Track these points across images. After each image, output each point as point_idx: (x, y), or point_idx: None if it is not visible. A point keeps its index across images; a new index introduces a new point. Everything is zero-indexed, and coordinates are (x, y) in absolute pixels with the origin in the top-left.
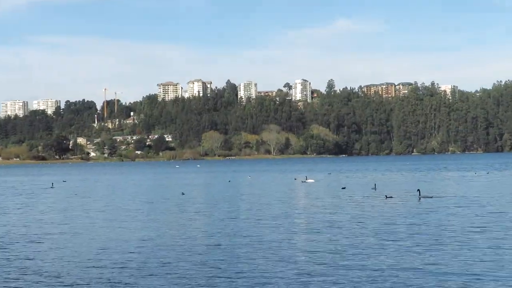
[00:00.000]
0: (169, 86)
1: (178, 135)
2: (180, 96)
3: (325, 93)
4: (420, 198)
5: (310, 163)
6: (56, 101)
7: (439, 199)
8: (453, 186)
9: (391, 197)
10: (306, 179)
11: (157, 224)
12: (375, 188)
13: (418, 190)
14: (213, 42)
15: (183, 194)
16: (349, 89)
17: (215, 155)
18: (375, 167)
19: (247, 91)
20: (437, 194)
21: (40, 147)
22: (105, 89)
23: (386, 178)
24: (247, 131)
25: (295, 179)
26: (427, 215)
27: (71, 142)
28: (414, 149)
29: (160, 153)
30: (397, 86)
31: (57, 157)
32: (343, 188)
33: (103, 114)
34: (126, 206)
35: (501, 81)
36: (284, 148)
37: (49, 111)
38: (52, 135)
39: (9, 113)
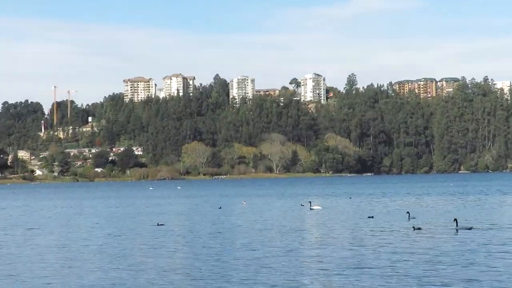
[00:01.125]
0: (139, 83)
1: (151, 147)
2: (153, 96)
3: (344, 92)
4: (457, 230)
5: (324, 184)
6: None
7: (483, 231)
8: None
9: (419, 228)
10: (311, 206)
11: (128, 264)
12: (409, 218)
13: (455, 219)
14: (197, 26)
15: (159, 225)
16: (375, 86)
17: (199, 173)
18: (408, 190)
19: (242, 90)
20: (481, 224)
21: None
22: (54, 86)
23: (423, 205)
24: (242, 142)
25: (301, 205)
26: (465, 250)
27: (9, 156)
28: (462, 166)
29: (128, 171)
30: (439, 83)
31: None
32: (370, 217)
33: (52, 120)
34: (85, 241)
35: None
36: (291, 165)
37: None
38: None
39: None
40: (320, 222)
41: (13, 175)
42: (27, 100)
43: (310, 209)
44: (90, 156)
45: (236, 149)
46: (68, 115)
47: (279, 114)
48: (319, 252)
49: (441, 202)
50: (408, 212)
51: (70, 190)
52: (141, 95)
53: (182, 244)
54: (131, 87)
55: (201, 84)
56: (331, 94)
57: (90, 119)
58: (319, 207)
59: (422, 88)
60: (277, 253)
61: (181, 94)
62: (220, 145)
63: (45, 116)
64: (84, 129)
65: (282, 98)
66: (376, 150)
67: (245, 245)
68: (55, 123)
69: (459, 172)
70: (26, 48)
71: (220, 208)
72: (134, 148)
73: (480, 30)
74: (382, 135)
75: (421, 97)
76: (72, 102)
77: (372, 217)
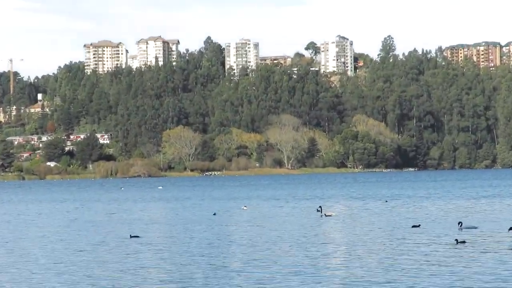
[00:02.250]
0: (105, 49)
1: (121, 134)
2: (124, 66)
3: (378, 60)
4: None
5: (351, 183)
6: None
7: None
8: None
9: (463, 242)
10: (321, 212)
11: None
12: (461, 227)
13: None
14: None
15: (132, 237)
16: (420, 53)
17: (186, 169)
18: (462, 191)
19: (242, 57)
20: None
21: None
22: None
23: (479, 209)
24: (242, 128)
25: (318, 210)
26: None
27: None
28: None
29: (90, 166)
30: (504, 48)
31: None
32: (415, 226)
33: None
34: (41, 256)
35: None
36: (307, 157)
37: None
38: None
39: None
40: (342, 232)
41: None
42: None
43: (324, 215)
44: (40, 146)
45: (235, 137)
46: (11, 91)
47: (292, 89)
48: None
49: (505, 206)
50: (460, 223)
51: (12, 191)
52: (107, 65)
53: (162, 261)
54: (94, 54)
55: (187, 50)
56: (361, 63)
57: (40, 96)
58: (333, 214)
59: (482, 55)
60: (289, 279)
61: (160, 63)
62: (214, 131)
63: None
64: (32, 110)
65: (295, 69)
66: (420, 137)
67: (246, 264)
68: None
69: None
70: None
71: (214, 214)
72: (99, 135)
73: None
74: (428, 118)
75: (481, 66)
76: (15, 74)
77: (419, 225)
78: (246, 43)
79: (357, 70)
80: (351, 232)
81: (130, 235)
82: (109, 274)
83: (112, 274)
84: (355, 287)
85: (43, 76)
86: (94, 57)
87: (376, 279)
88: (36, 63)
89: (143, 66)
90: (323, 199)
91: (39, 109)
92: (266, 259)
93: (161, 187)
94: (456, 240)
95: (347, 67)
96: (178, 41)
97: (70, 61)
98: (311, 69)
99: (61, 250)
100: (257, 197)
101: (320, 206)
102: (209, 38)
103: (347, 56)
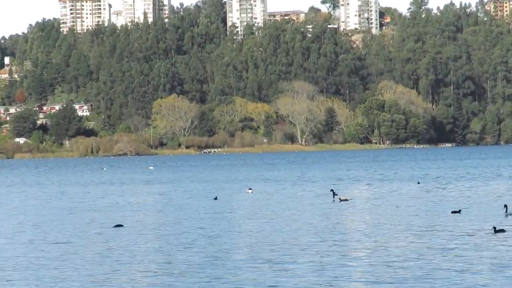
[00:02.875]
0: (84, 3)
1: (103, 105)
2: (106, 24)
3: (408, 15)
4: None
5: (376, 161)
6: None
7: None
8: None
9: (502, 230)
10: (334, 196)
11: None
12: (506, 213)
13: (505, 205)
14: None
15: (118, 226)
16: (458, 7)
17: (180, 145)
18: (510, 171)
19: (246, 13)
20: None
21: None
22: None
23: None
24: (247, 96)
25: (334, 194)
26: None
27: None
28: None
29: (67, 143)
30: None
31: None
32: (455, 211)
33: None
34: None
35: None
36: (325, 131)
37: None
38: None
39: None
40: (359, 221)
41: None
42: None
43: (338, 200)
44: (8, 119)
45: (238, 107)
46: None
47: (306, 51)
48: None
49: None
50: (505, 206)
51: None
52: (87, 23)
53: (150, 257)
54: (71, 9)
55: (181, 5)
56: (388, 19)
57: (7, 60)
58: (347, 198)
59: None
60: (305, 279)
61: (150, 20)
62: (213, 101)
63: None
64: None
65: (310, 26)
66: (459, 107)
67: (253, 258)
68: None
69: None
70: None
71: (215, 199)
72: (77, 107)
73: None
74: (468, 84)
75: None
76: None
77: (459, 211)
78: None
79: (383, 28)
80: (370, 220)
81: (117, 224)
82: (83, 272)
83: (88, 270)
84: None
85: (11, 37)
86: (71, 14)
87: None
88: (3, 21)
89: (129, 24)
90: (341, 180)
91: (6, 75)
92: (276, 257)
93: (152, 167)
94: (494, 228)
95: (371, 24)
96: None
97: (43, 19)
98: (328, 26)
99: (31, 243)
100: (264, 179)
101: (332, 190)
102: None
103: (371, 11)
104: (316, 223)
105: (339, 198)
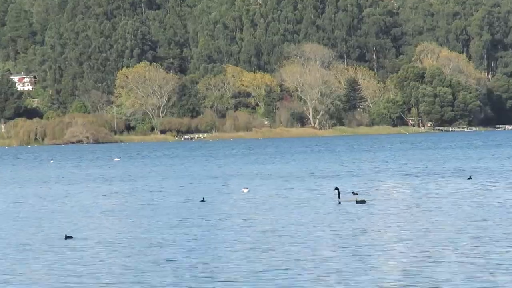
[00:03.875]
0: None
1: (51, 76)
2: None
3: None
4: None
5: (412, 149)
6: None
7: None
8: None
9: None
10: (339, 196)
11: None
12: None
13: None
14: None
15: (68, 238)
16: None
17: (153, 130)
18: None
19: None
20: None
21: None
22: None
23: None
24: (242, 64)
25: (349, 193)
26: None
27: None
28: None
29: (2, 127)
30: None
31: None
32: None
33: None
34: None
35: None
36: (346, 109)
37: None
38: None
39: None
40: (383, 230)
41: None
42: None
43: (355, 201)
44: None
45: (231, 79)
46: None
47: (320, 2)
48: None
49: None
50: None
51: None
52: None
53: (115, 278)
54: None
55: None
56: None
57: None
58: (364, 199)
59: None
60: None
61: None
62: (197, 70)
63: None
64: None
65: None
66: None
67: (245, 282)
68: None
69: None
70: None
71: (203, 200)
72: (16, 79)
73: None
74: None
75: None
76: None
77: None
78: None
79: None
80: (394, 231)
81: (65, 235)
82: None
83: None
84: None
85: None
86: None
87: None
88: None
89: None
90: (364, 176)
91: None
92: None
93: (117, 159)
94: None
95: None
96: None
97: None
98: None
99: None
100: (264, 174)
101: (336, 188)
102: None
103: None
104: (324, 235)
105: (356, 200)
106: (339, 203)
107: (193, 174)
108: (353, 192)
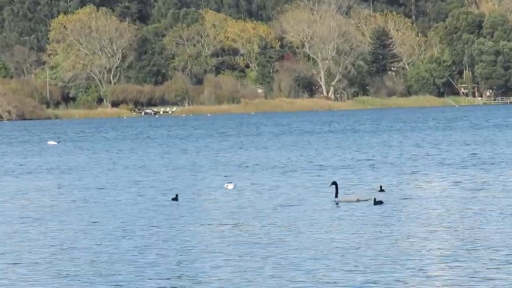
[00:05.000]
0: None
1: None
2: None
3: None
4: None
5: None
6: None
7: None
8: None
9: None
10: (337, 194)
11: None
12: None
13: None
14: None
15: None
16: None
17: (102, 101)
18: None
19: None
20: None
21: None
22: None
23: None
24: (226, 7)
25: (337, 190)
26: None
27: None
28: None
29: None
30: None
31: None
32: None
33: None
34: None
35: None
36: (371, 73)
37: None
38: None
39: None
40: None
41: None
42: None
43: (356, 200)
44: None
45: (210, 29)
46: None
47: None
48: None
49: None
50: None
51: None
52: None
53: None
54: None
55: None
56: None
57: None
58: (368, 199)
59: None
60: None
61: None
62: (162, 18)
63: None
64: None
65: None
66: None
67: None
68: None
69: None
70: None
71: (175, 199)
72: None
73: None
74: None
75: None
76: None
77: None
78: None
79: None
80: (434, 242)
81: None
82: None
83: None
84: None
85: None
86: None
87: None
88: None
89: None
90: (375, 169)
91: None
92: None
93: (53, 143)
94: None
95: None
96: None
97: None
98: None
99: None
100: (254, 165)
101: (334, 182)
102: None
103: None
104: (319, 247)
105: (373, 200)
106: (337, 203)
107: (157, 163)
108: (380, 187)
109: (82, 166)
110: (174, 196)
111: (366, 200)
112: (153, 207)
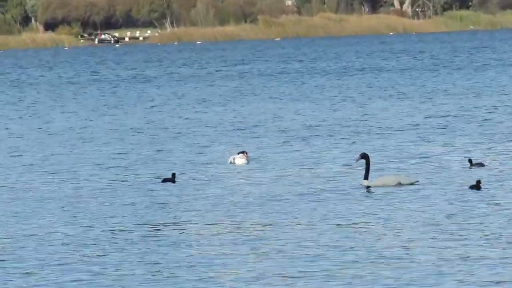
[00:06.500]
0: None
1: None
2: None
3: None
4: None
5: None
6: None
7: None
8: None
9: None
10: (367, 176)
11: None
12: None
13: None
14: None
15: None
16: None
17: (29, 22)
18: None
19: None
20: None
21: None
22: None
23: None
24: None
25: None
26: None
27: None
28: None
29: None
30: None
31: None
32: None
33: None
34: None
35: None
36: None
37: None
38: None
39: None
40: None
41: None
42: None
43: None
44: None
45: None
46: None
47: None
48: None
49: None
50: None
51: None
52: None
53: None
54: None
55: None
56: None
57: None
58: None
59: None
60: None
61: None
62: None
63: None
64: None
65: None
66: None
67: None
68: None
69: None
70: None
71: (170, 180)
72: None
73: None
74: None
75: None
76: None
77: None
78: None
79: None
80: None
81: None
82: None
83: None
84: None
85: None
86: None
87: None
88: None
89: None
90: (461, 131)
91: None
92: None
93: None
94: None
95: None
96: None
97: None
98: None
99: None
100: (279, 125)
101: (364, 155)
102: None
103: None
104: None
105: (399, 182)
106: (368, 188)
107: (135, 125)
108: (469, 160)
109: (34, 132)
110: (171, 176)
111: (412, 184)
112: (142, 189)
